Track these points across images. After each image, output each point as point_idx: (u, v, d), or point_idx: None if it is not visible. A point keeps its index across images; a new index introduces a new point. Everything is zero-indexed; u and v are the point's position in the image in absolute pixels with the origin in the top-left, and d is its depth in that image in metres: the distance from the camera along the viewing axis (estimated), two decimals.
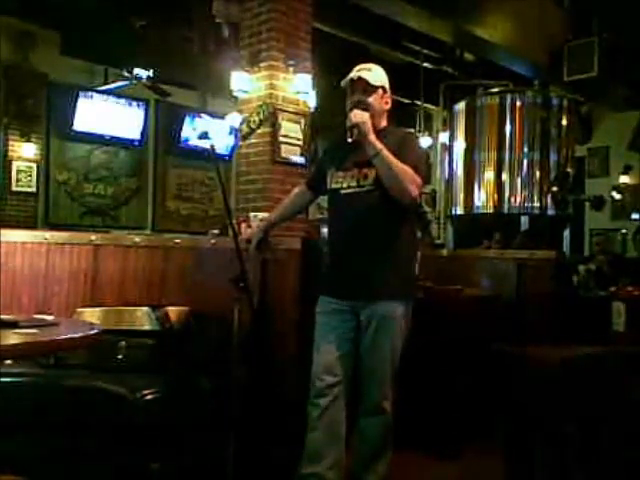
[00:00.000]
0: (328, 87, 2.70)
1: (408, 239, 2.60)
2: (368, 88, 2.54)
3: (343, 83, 2.59)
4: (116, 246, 3.23)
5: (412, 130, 8.29)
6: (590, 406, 2.61)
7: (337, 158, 2.64)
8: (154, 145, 8.83)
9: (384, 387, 2.51)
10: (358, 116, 2.44)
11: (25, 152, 7.42)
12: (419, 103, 8.76)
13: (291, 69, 5.01)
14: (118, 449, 2.43)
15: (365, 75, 2.54)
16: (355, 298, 2.51)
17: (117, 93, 7.85)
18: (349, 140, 2.46)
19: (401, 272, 2.54)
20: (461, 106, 6.19)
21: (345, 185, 2.54)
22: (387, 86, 2.62)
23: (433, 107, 9.37)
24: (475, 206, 6.05)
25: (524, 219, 5.85)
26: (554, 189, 5.83)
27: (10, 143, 7.32)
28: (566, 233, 6.09)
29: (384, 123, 2.63)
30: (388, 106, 2.63)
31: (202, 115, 8.53)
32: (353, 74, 2.56)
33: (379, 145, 2.42)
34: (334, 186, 2.59)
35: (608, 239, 8.85)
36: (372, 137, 2.43)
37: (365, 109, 2.50)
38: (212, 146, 2.64)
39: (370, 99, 2.54)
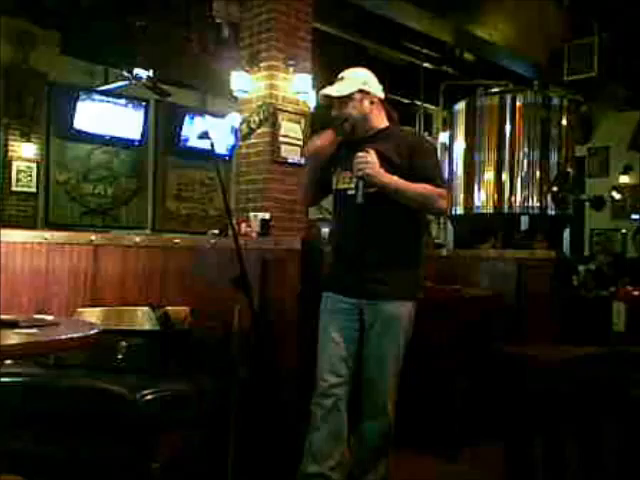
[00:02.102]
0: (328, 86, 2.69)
1: (415, 239, 2.60)
2: (341, 100, 2.52)
3: (320, 102, 2.61)
4: (116, 246, 3.23)
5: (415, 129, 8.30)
6: (590, 406, 2.61)
7: (342, 158, 2.59)
8: (154, 145, 8.83)
9: (388, 389, 2.50)
10: (362, 166, 2.39)
11: (25, 152, 7.42)
12: (419, 103, 8.76)
13: (291, 69, 5.01)
14: (118, 449, 2.42)
15: (330, 91, 2.54)
16: (361, 297, 2.50)
17: (117, 93, 7.85)
18: (359, 201, 2.42)
19: (407, 273, 2.52)
20: (461, 106, 6.20)
21: (353, 186, 2.50)
22: (368, 86, 2.54)
23: (433, 107, 9.36)
24: (475, 206, 6.05)
25: (524, 219, 5.85)
26: (554, 189, 5.83)
27: (10, 143, 7.31)
28: (566, 233, 6.09)
29: (383, 123, 2.60)
30: (374, 105, 2.56)
31: (202, 115, 8.53)
32: (321, 92, 2.57)
33: (393, 185, 2.39)
34: (341, 186, 2.56)
35: (608, 239, 8.85)
36: (384, 178, 2.39)
37: (345, 121, 2.51)
38: (212, 145, 2.64)
39: (347, 110, 2.52)
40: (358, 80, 2.55)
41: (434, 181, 2.45)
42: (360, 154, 2.41)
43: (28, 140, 7.44)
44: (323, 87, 2.64)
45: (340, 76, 2.58)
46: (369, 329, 2.49)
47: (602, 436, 2.62)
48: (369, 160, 2.39)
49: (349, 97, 2.52)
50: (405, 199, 2.42)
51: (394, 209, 2.45)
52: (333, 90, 2.53)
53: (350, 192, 2.52)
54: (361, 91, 2.53)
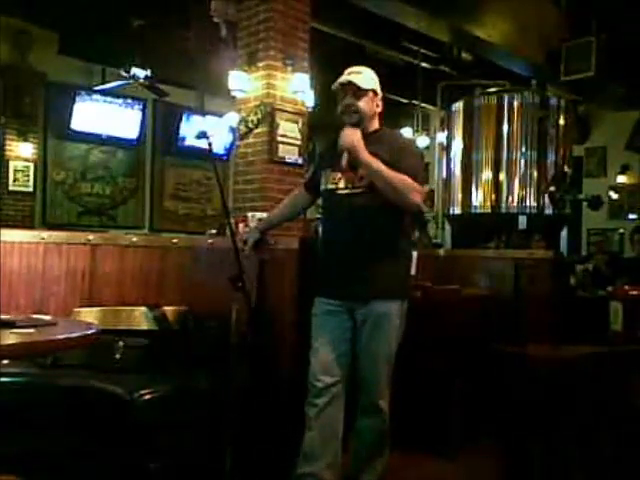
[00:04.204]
0: (326, 87, 2.71)
1: (402, 239, 2.61)
2: (358, 92, 2.54)
3: (333, 87, 2.60)
4: (114, 246, 3.22)
5: (407, 129, 8.29)
6: (589, 406, 2.61)
7: (332, 158, 2.63)
8: (152, 145, 8.83)
9: (380, 386, 2.52)
10: (347, 138, 2.44)
11: (22, 151, 7.42)
12: (417, 103, 8.76)
13: (289, 68, 5.00)
14: (116, 449, 2.42)
15: (355, 79, 2.54)
16: (350, 299, 2.52)
17: (115, 93, 7.84)
18: (343, 163, 2.45)
19: (396, 272, 2.55)
20: (459, 106, 6.19)
21: (341, 186, 2.55)
22: (378, 89, 2.61)
23: (431, 107, 9.37)
24: (473, 206, 6.05)
25: (522, 219, 5.85)
26: (552, 189, 5.83)
27: (7, 142, 7.31)
28: (563, 233, 6.09)
29: (376, 125, 2.64)
30: (379, 109, 2.63)
31: (200, 114, 8.52)
32: (343, 78, 2.56)
33: (374, 164, 2.41)
34: (330, 187, 2.60)
35: (606, 239, 8.85)
36: (365, 156, 2.42)
37: (355, 112, 2.52)
38: (210, 145, 2.63)
39: (360, 103, 2.54)
40: (374, 79, 2.61)
41: (414, 177, 2.46)
42: (347, 130, 2.46)
43: (25, 139, 7.44)
44: (322, 86, 2.65)
45: (356, 70, 2.60)
46: (360, 328, 2.51)
47: (600, 435, 2.63)
48: (354, 140, 2.43)
49: (365, 92, 2.55)
50: (382, 182, 2.42)
51: (382, 209, 2.47)
52: (358, 79, 2.55)
53: (339, 192, 2.54)
54: (374, 91, 2.59)
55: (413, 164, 2.51)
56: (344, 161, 2.46)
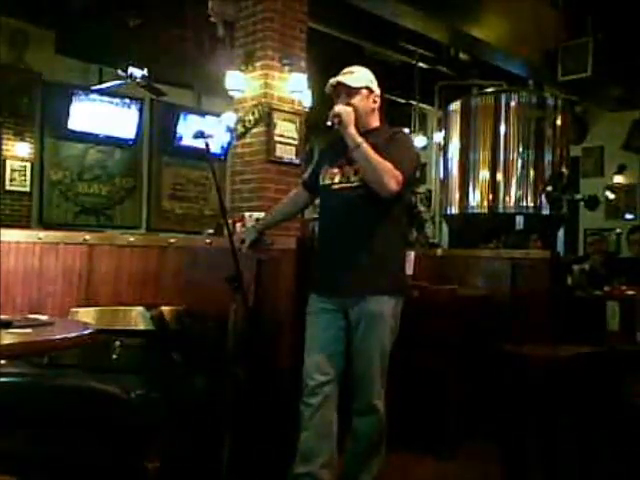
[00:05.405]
0: (323, 87, 2.71)
1: (396, 236, 2.60)
2: (350, 91, 2.55)
3: (326, 90, 2.61)
4: (111, 246, 3.22)
5: (406, 129, 8.31)
6: (586, 405, 2.61)
7: (330, 155, 2.65)
8: (149, 144, 8.81)
9: (375, 386, 2.51)
10: (342, 107, 2.47)
11: (19, 151, 7.40)
12: (414, 103, 8.77)
13: (286, 68, 5.01)
14: (112, 449, 2.42)
15: (344, 79, 2.56)
16: (343, 295, 2.51)
17: (112, 92, 7.82)
18: (328, 124, 2.46)
19: (388, 268, 2.53)
20: (456, 106, 6.21)
21: (336, 181, 2.55)
22: (373, 85, 2.61)
23: (428, 107, 9.39)
24: (470, 206, 6.07)
25: (519, 219, 5.86)
26: (548, 189, 5.84)
27: (4, 142, 7.29)
28: (560, 233, 6.10)
29: (376, 123, 2.63)
30: (376, 105, 2.62)
31: (197, 114, 8.52)
32: (332, 80, 2.58)
33: (358, 139, 2.43)
34: (326, 182, 2.60)
35: (604, 239, 8.86)
36: (352, 130, 2.44)
37: (335, 116, 2.51)
38: (207, 145, 2.63)
39: (354, 101, 2.54)
40: (367, 77, 2.61)
41: (398, 165, 2.44)
42: (343, 106, 2.49)
43: (22, 139, 7.42)
44: (319, 86, 2.66)
45: (349, 70, 2.61)
46: (354, 327, 2.50)
47: (598, 434, 2.63)
48: (348, 111, 2.46)
49: (358, 90, 2.56)
50: (363, 158, 2.42)
51: (376, 204, 2.47)
52: (348, 79, 2.56)
53: (334, 187, 2.55)
54: (368, 88, 2.59)
55: (401, 154, 2.50)
56: (331, 126, 2.46)
